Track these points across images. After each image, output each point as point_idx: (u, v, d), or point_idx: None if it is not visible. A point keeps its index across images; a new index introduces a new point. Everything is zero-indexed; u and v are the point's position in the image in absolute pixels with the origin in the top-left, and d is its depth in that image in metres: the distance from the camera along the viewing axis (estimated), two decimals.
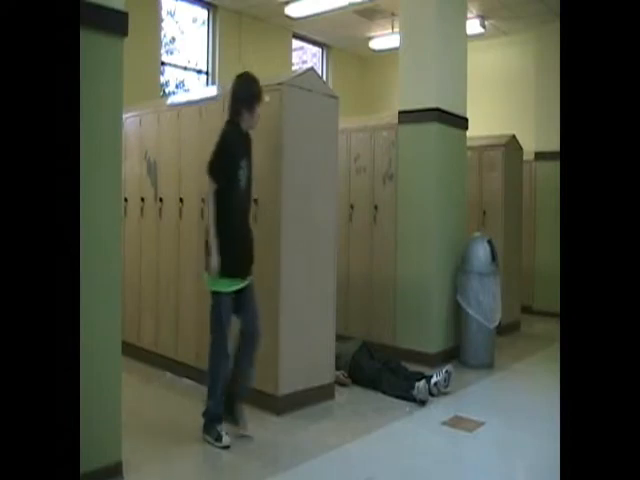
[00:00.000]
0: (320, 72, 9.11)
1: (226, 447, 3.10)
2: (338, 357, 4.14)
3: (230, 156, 3.17)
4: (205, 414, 3.22)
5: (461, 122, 5.25)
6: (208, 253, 3.14)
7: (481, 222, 6.27)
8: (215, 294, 3.19)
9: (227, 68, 7.63)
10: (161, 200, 4.57)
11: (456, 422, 3.59)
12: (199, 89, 7.25)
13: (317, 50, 9.47)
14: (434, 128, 4.90)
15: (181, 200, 4.36)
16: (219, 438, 3.13)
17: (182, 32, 7.69)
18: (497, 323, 4.99)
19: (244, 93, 3.23)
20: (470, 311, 4.90)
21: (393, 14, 7.48)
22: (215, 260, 3.10)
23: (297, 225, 3.73)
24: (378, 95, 9.43)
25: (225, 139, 3.19)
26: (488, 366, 4.95)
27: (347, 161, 5.36)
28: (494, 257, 5.00)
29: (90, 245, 2.56)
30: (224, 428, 3.18)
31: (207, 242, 3.16)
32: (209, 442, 3.16)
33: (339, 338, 4.16)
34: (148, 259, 4.73)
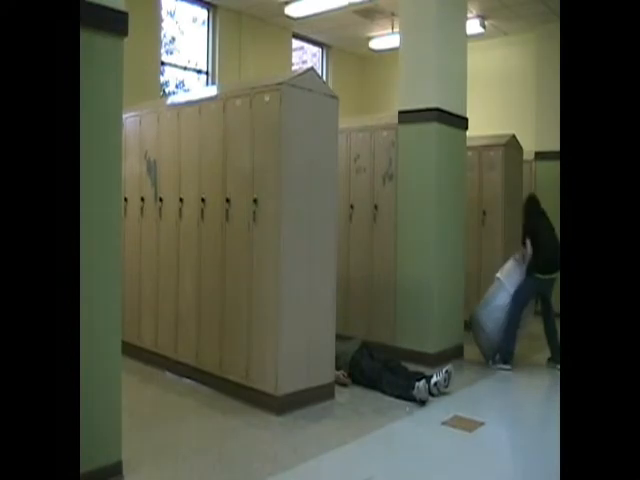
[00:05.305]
0: (320, 72, 9.11)
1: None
2: (338, 357, 4.15)
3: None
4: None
5: (461, 122, 5.25)
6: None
7: (481, 222, 6.27)
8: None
9: (227, 68, 7.65)
10: (161, 200, 4.57)
11: (456, 422, 3.59)
12: (199, 89, 7.25)
13: (317, 50, 9.48)
14: (434, 128, 4.90)
15: (181, 200, 4.36)
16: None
17: (182, 32, 7.70)
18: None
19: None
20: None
21: (393, 14, 7.49)
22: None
23: (297, 225, 3.73)
24: (378, 95, 9.44)
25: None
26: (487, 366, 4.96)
27: (347, 161, 5.37)
28: None
29: (90, 245, 2.56)
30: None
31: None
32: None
33: (339, 338, 4.16)
34: (148, 259, 4.73)
